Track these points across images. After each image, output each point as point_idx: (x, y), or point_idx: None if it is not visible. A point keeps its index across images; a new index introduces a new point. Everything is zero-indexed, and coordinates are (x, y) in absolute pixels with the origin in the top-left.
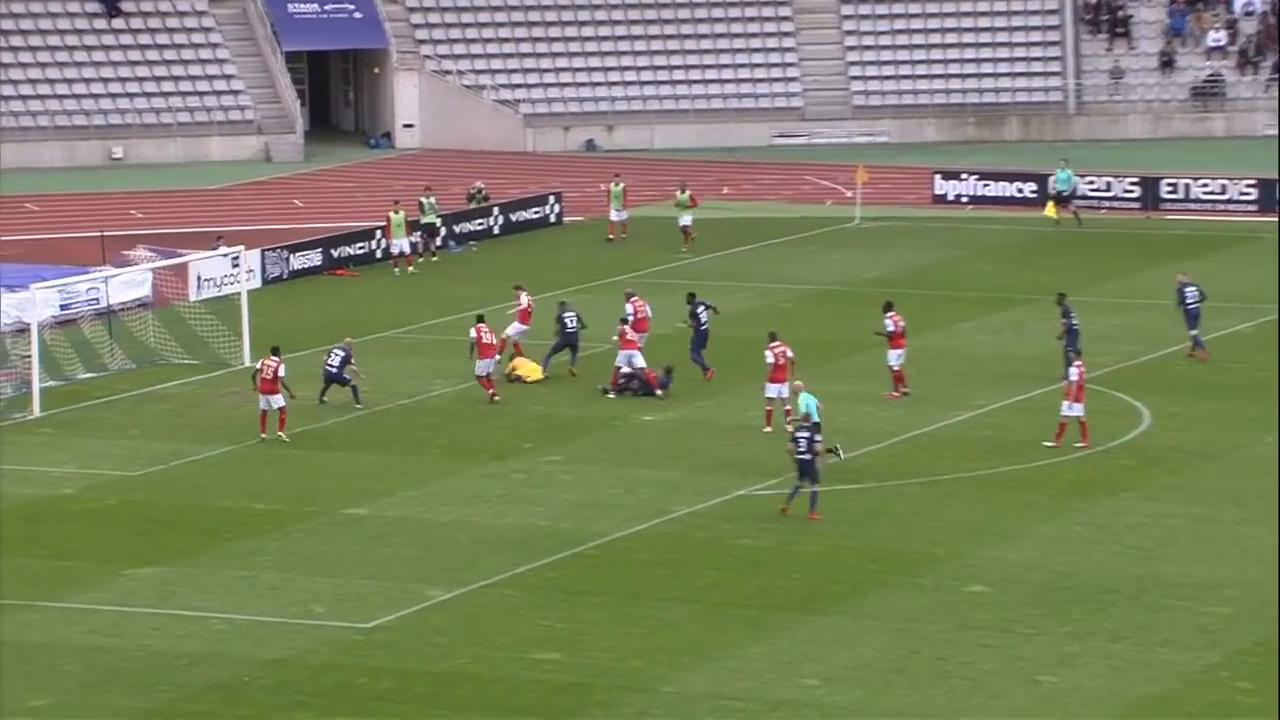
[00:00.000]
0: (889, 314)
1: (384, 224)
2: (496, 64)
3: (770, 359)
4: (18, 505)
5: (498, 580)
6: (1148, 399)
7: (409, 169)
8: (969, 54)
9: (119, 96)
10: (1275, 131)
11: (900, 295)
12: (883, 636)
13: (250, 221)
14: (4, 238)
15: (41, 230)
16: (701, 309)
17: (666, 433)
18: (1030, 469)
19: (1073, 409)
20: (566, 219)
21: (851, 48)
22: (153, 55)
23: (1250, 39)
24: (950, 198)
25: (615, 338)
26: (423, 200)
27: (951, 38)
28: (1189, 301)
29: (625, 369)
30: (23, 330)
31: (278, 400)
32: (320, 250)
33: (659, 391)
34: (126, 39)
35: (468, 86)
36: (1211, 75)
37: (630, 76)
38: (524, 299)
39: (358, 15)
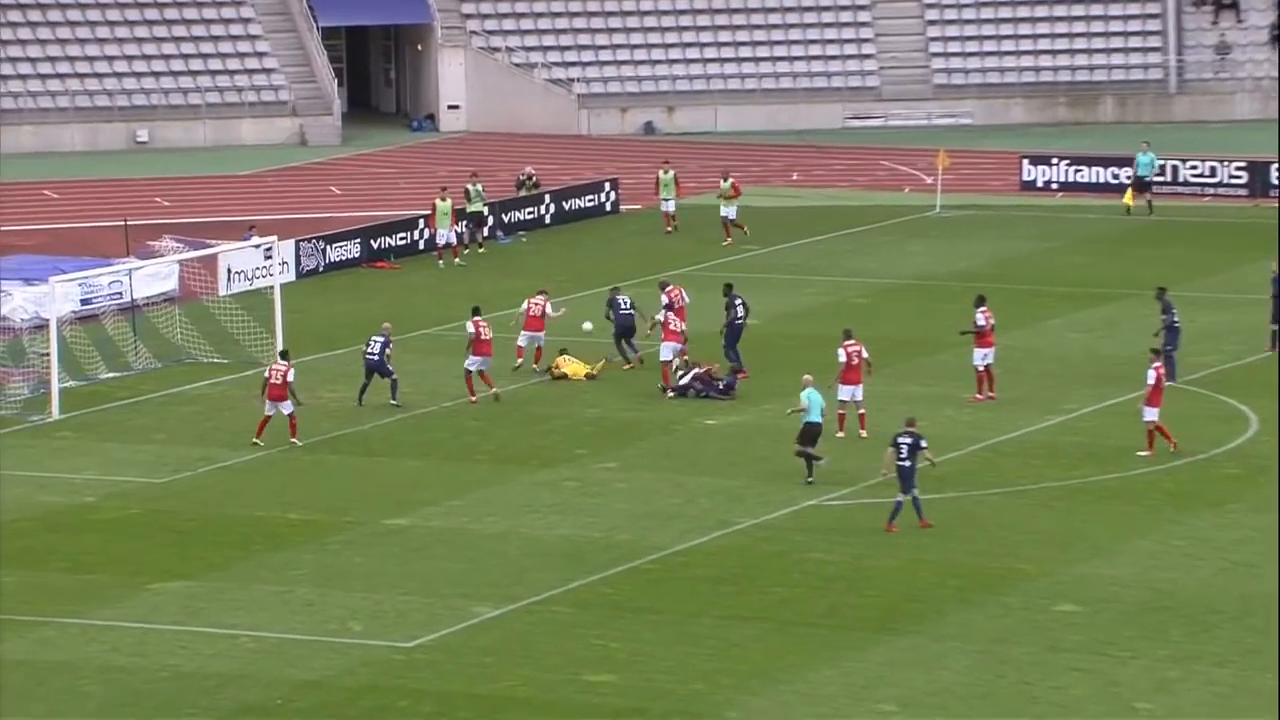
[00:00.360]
0: (981, 308)
1: (429, 212)
2: (548, 40)
3: (843, 358)
4: (36, 514)
5: (548, 596)
6: (1254, 402)
7: (454, 154)
8: (1060, 28)
9: (144, 76)
10: None
11: (984, 290)
12: (965, 659)
13: (284, 210)
14: (21, 227)
15: (61, 219)
16: (739, 303)
17: (730, 438)
18: (1125, 478)
19: (1148, 414)
20: (623, 207)
21: (932, 21)
22: (180, 31)
23: None
24: (1039, 184)
25: (650, 330)
26: (469, 187)
27: (1041, 10)
28: None
29: (678, 369)
30: (41, 326)
31: (286, 406)
32: (359, 241)
33: (724, 391)
34: (152, 14)
35: (517, 64)
36: None
37: (692, 54)
38: (536, 305)
39: None
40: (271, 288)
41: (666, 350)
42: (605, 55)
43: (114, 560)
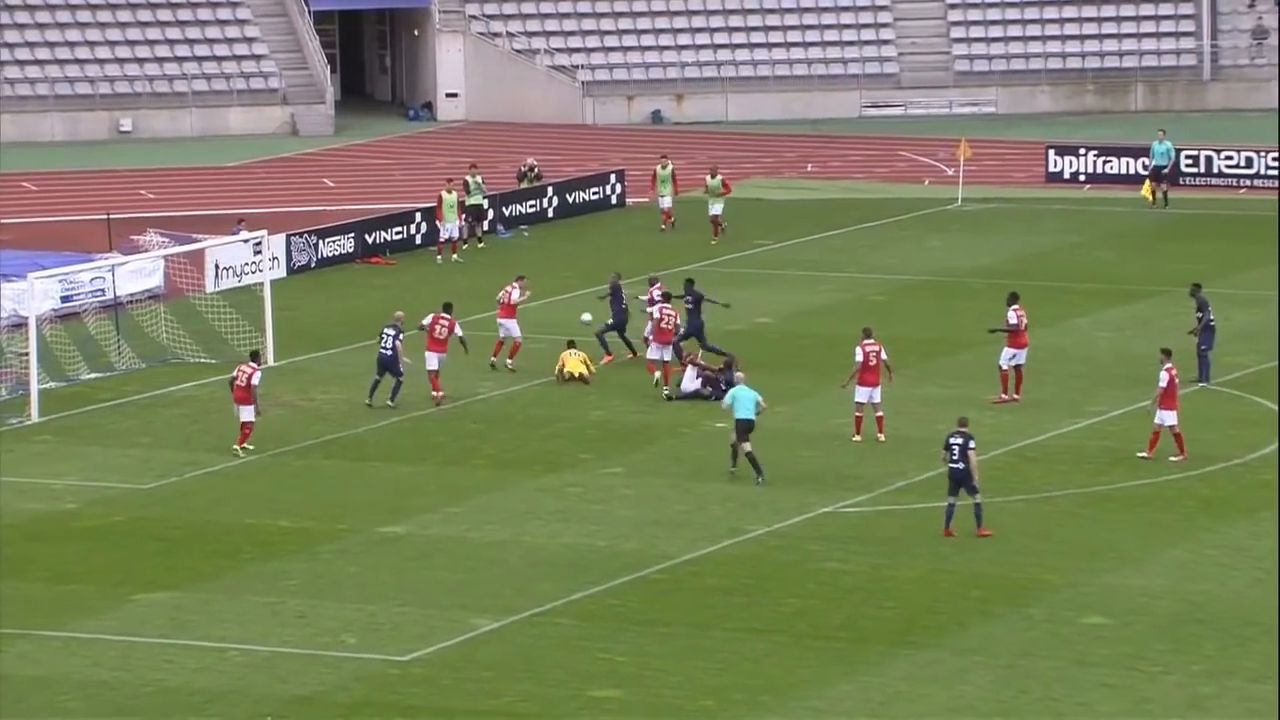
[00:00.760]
0: (1013, 306)
1: (435, 204)
2: (551, 25)
3: (860, 357)
4: (14, 522)
5: (551, 608)
6: None
7: (453, 144)
8: (1088, 11)
9: (127, 62)
10: None
11: (1008, 287)
12: (987, 674)
13: (274, 203)
14: None
15: (41, 212)
16: (694, 299)
17: None
18: (1156, 485)
19: (1163, 417)
20: (629, 200)
21: (954, 5)
22: (165, 15)
23: None
24: (1066, 176)
25: (648, 335)
26: (468, 179)
27: None
28: None
29: (691, 373)
30: (19, 325)
31: (247, 412)
32: (353, 235)
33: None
34: None
35: (519, 50)
36: None
37: (702, 39)
38: (506, 292)
39: None
40: (261, 284)
41: (654, 350)
42: (611, 41)
43: (96, 570)
